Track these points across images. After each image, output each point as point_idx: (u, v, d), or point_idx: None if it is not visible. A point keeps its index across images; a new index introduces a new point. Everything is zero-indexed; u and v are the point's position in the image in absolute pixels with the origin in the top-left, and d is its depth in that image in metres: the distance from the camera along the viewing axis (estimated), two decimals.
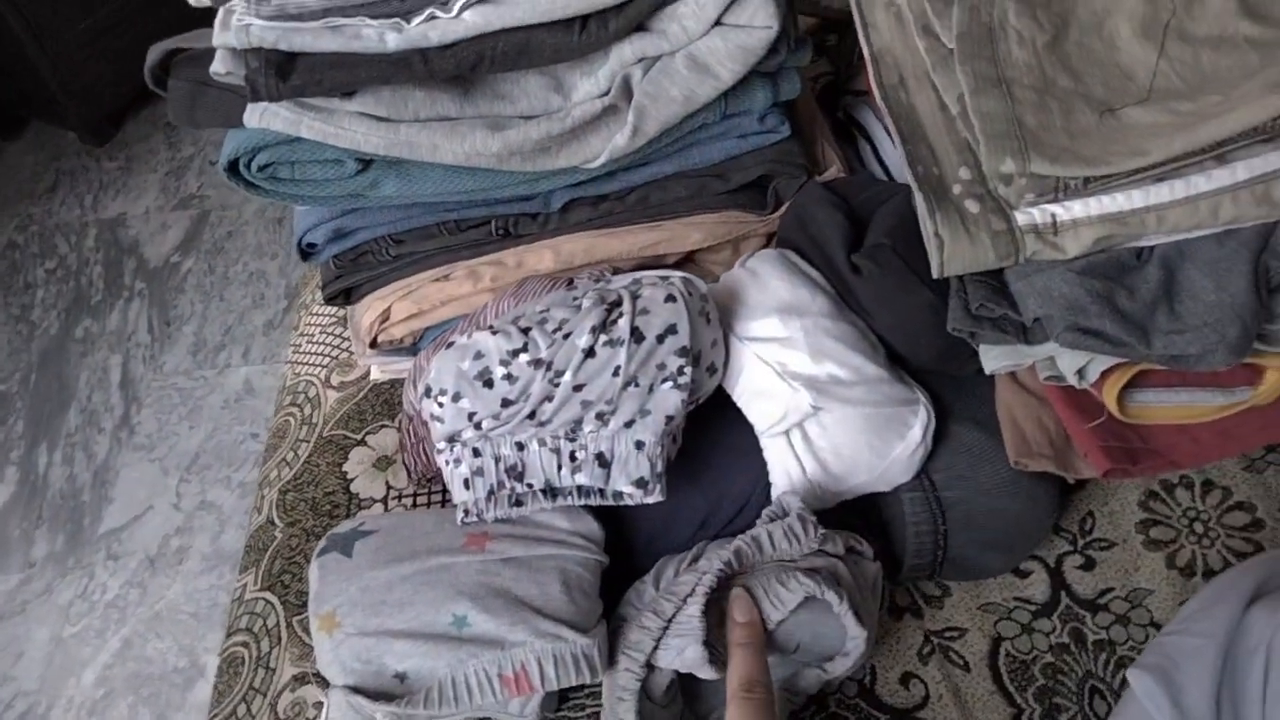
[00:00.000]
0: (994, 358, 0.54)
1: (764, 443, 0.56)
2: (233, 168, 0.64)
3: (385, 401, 0.75)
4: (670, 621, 0.51)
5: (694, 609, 0.50)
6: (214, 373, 1.59)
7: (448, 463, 0.54)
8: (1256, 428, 0.53)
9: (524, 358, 0.53)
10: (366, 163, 0.65)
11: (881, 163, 0.74)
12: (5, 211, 1.91)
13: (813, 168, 0.69)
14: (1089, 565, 0.59)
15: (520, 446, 0.53)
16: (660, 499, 0.53)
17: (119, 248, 1.82)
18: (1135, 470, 0.53)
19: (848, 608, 0.50)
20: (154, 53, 0.65)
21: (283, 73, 0.59)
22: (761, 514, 0.55)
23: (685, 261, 0.71)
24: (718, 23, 0.59)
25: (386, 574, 0.53)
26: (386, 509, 0.69)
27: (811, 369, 0.55)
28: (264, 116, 0.61)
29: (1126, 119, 0.50)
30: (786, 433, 0.55)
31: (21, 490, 1.51)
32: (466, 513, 0.54)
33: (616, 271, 0.67)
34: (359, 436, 0.74)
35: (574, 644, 0.51)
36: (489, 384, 0.53)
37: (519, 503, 0.54)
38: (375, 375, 0.76)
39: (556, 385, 0.53)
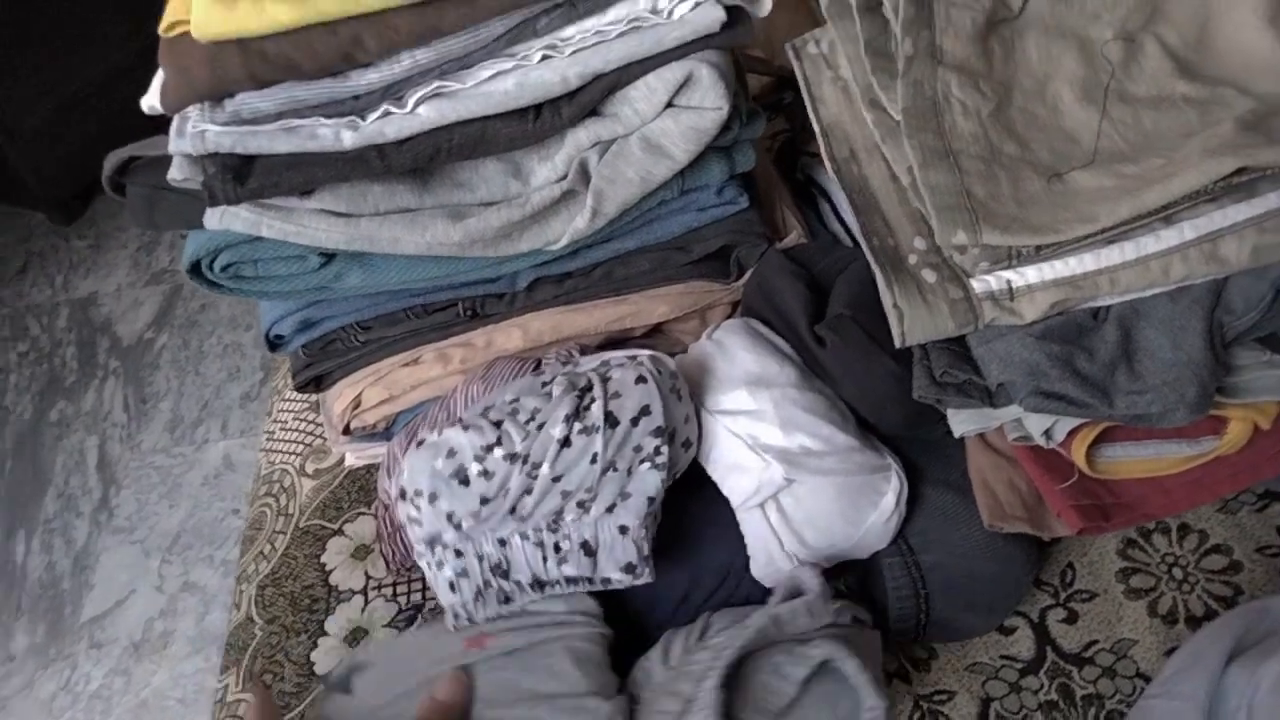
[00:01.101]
0: (961, 421, 0.55)
1: (740, 516, 0.56)
2: (195, 269, 0.65)
3: (361, 488, 0.75)
4: (688, 702, 0.50)
5: (711, 687, 0.49)
6: (192, 449, 1.57)
7: (429, 566, 0.54)
8: (1225, 476, 0.54)
9: (499, 452, 0.53)
10: (329, 256, 0.65)
11: (842, 221, 0.75)
12: None
13: (773, 235, 0.69)
14: (1072, 618, 0.59)
15: (503, 543, 0.53)
16: (649, 580, 0.53)
17: (92, 327, 1.80)
18: (1109, 526, 0.53)
19: (865, 676, 0.49)
20: (110, 161, 0.66)
21: (240, 176, 0.59)
22: (776, 589, 0.55)
23: (653, 333, 0.72)
24: (670, 105, 0.60)
25: (393, 699, 0.52)
26: (367, 601, 0.68)
27: (782, 441, 0.55)
28: (224, 218, 0.62)
29: (1073, 183, 0.51)
30: (761, 506, 0.55)
31: None
32: (456, 616, 0.53)
33: (584, 350, 0.67)
34: (336, 526, 0.74)
35: (597, 712, 0.50)
36: (465, 482, 0.53)
37: (508, 599, 0.54)
38: (350, 462, 0.76)
39: (534, 478, 0.52)
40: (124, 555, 1.47)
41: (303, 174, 0.60)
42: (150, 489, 1.54)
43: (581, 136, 0.61)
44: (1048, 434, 0.52)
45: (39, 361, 1.78)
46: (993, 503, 0.54)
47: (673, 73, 0.59)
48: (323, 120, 0.59)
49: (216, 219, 0.62)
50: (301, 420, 0.81)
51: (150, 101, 0.61)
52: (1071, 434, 0.52)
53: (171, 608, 1.39)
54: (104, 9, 1.72)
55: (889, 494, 0.54)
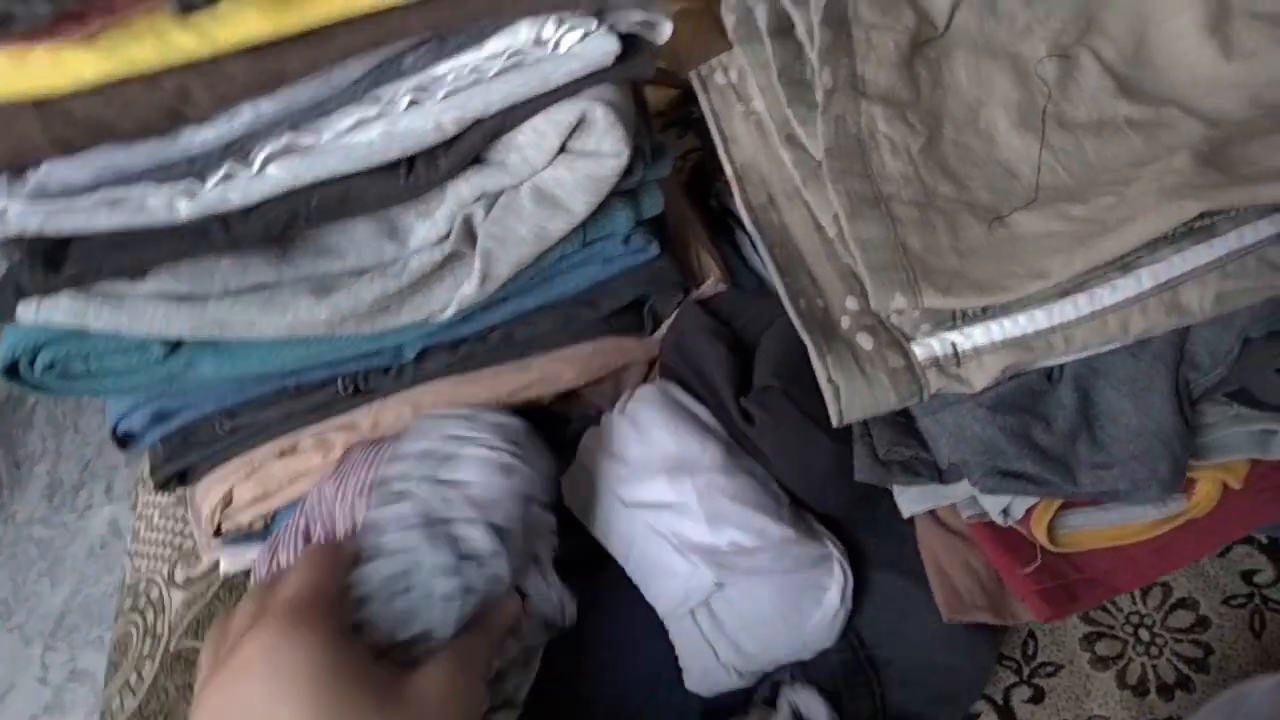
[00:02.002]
0: (910, 500, 0.49)
1: (668, 625, 0.50)
2: (12, 371, 0.54)
3: (239, 599, 0.66)
4: None
5: None
6: (74, 516, 1.43)
7: None
8: (1192, 540, 0.49)
9: None
10: (175, 343, 0.56)
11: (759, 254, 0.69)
12: None
13: (689, 281, 0.63)
14: (1039, 696, 0.54)
15: None
16: None
17: None
18: (1076, 606, 0.49)
19: None
20: None
21: (53, 262, 0.50)
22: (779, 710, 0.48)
23: (564, 399, 0.64)
24: (563, 150, 0.53)
25: None
26: None
27: (709, 538, 0.48)
28: (40, 311, 0.52)
29: (1018, 228, 0.46)
30: (692, 613, 0.49)
31: None
32: None
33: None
34: None
35: None
36: None
37: None
38: (225, 568, 0.66)
39: None
40: (1, 645, 1.32)
41: (131, 254, 0.51)
42: (29, 566, 1.40)
43: (463, 190, 0.54)
44: (1005, 511, 0.47)
45: None
46: (950, 593, 0.49)
47: (563, 114, 0.51)
48: (151, 188, 0.50)
49: (32, 312, 0.52)
50: (168, 518, 0.72)
51: None
52: (1031, 509, 0.47)
53: (58, 701, 1.26)
54: None
55: (832, 589, 0.48)
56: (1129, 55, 0.51)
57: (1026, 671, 0.55)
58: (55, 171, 0.49)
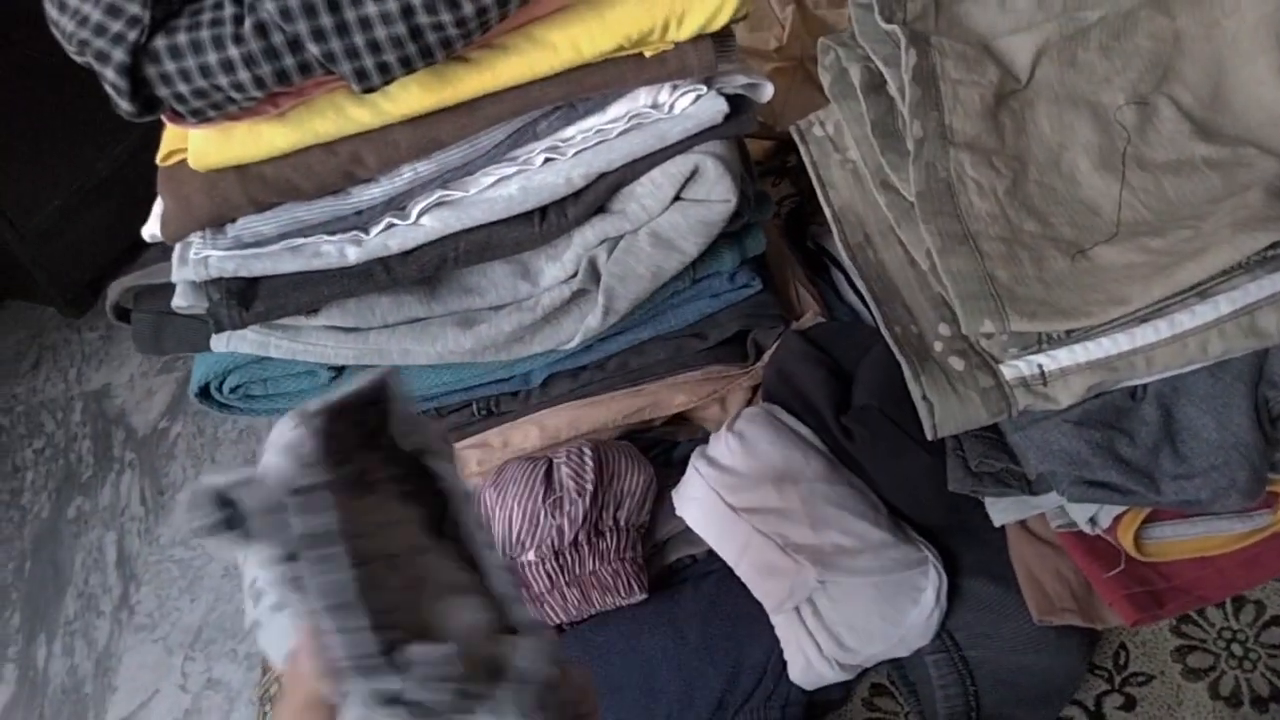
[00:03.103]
0: (1001, 510, 0.53)
1: (774, 620, 0.54)
2: (204, 393, 0.64)
3: None
4: None
5: None
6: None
7: None
8: None
9: None
10: (340, 369, 0.64)
11: (857, 290, 0.74)
12: None
13: (789, 314, 0.68)
14: (1130, 704, 0.56)
15: None
16: None
17: (106, 419, 1.80)
18: (1164, 613, 0.51)
19: None
20: (114, 291, 0.65)
21: (245, 300, 0.59)
22: None
23: (674, 421, 0.70)
24: (677, 198, 0.59)
25: None
26: None
27: (813, 539, 0.53)
28: (230, 341, 0.61)
29: (1099, 259, 0.50)
30: (796, 609, 0.53)
31: (21, 690, 1.47)
32: None
33: (596, 450, 0.64)
34: None
35: None
36: None
37: None
38: None
39: None
40: (146, 654, 1.44)
41: (308, 293, 0.59)
42: (170, 583, 1.52)
43: (589, 235, 0.60)
44: (1093, 520, 0.50)
45: (55, 458, 1.78)
46: (1040, 596, 0.52)
47: (678, 167, 0.58)
48: (325, 237, 0.58)
49: (223, 342, 0.61)
50: None
51: (150, 230, 0.60)
52: (1118, 518, 0.50)
53: (196, 706, 1.36)
54: (102, 106, 1.74)
55: (928, 589, 0.52)
56: (1206, 100, 0.54)
57: (1118, 680, 0.57)
58: (249, 225, 0.58)
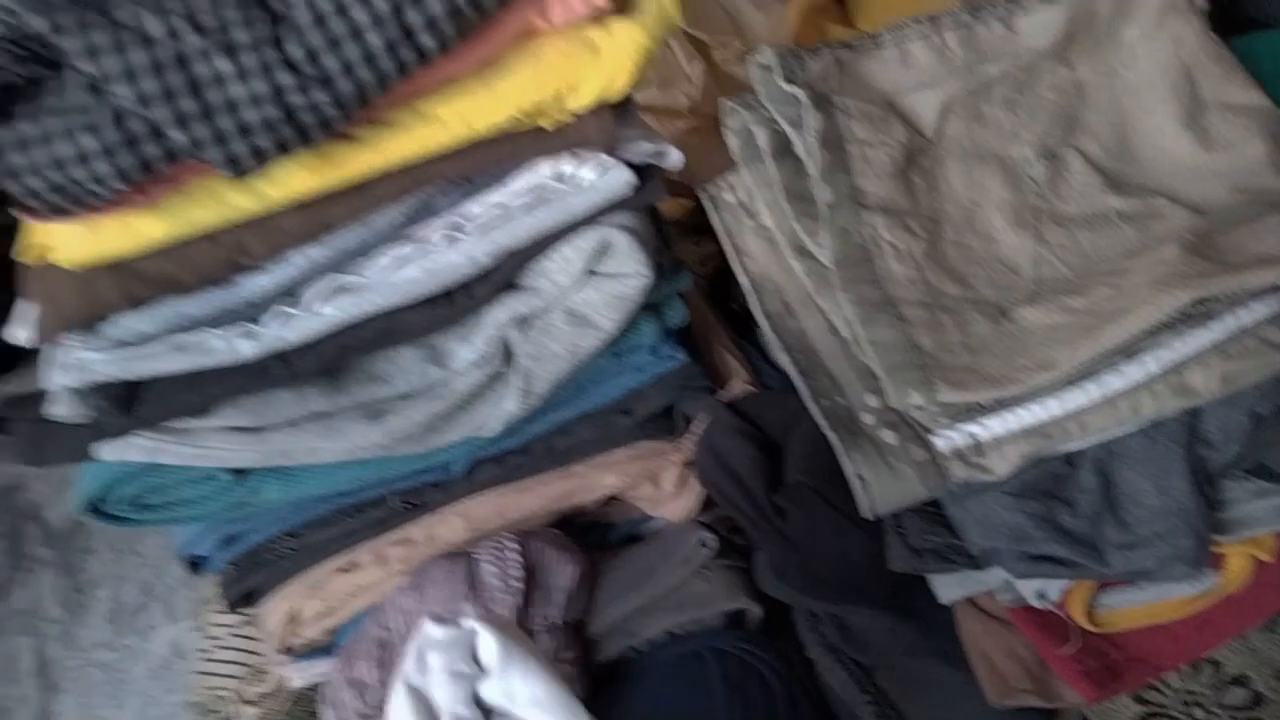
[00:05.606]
0: (947, 587, 0.50)
1: None
2: (94, 507, 0.58)
3: (311, 713, 0.68)
4: None
5: None
6: (137, 639, 1.46)
7: None
8: (1232, 615, 0.50)
9: None
10: (242, 471, 0.60)
11: None
12: None
13: (716, 382, 0.65)
14: None
15: None
16: None
17: (18, 515, 1.70)
18: (1122, 686, 0.49)
19: None
20: None
21: (128, 404, 0.54)
22: None
23: (608, 504, 0.67)
24: (592, 273, 0.56)
25: None
26: None
27: None
28: (118, 449, 0.56)
29: (1023, 321, 0.48)
30: None
31: None
32: None
33: (519, 541, 0.61)
34: None
35: None
36: None
37: None
38: (295, 683, 0.68)
39: None
40: None
41: (199, 393, 0.55)
42: (94, 689, 1.43)
43: (499, 314, 0.57)
44: (1041, 594, 0.48)
45: None
46: (994, 677, 0.49)
47: (587, 241, 0.55)
48: (213, 331, 0.54)
49: (110, 451, 0.56)
50: (238, 636, 0.74)
51: (16, 333, 0.56)
52: (1067, 592, 0.48)
53: None
54: None
55: None
56: (1114, 151, 0.54)
57: None
58: (125, 324, 0.54)
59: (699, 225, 0.86)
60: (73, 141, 0.44)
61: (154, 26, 0.44)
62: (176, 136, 0.44)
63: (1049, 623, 0.49)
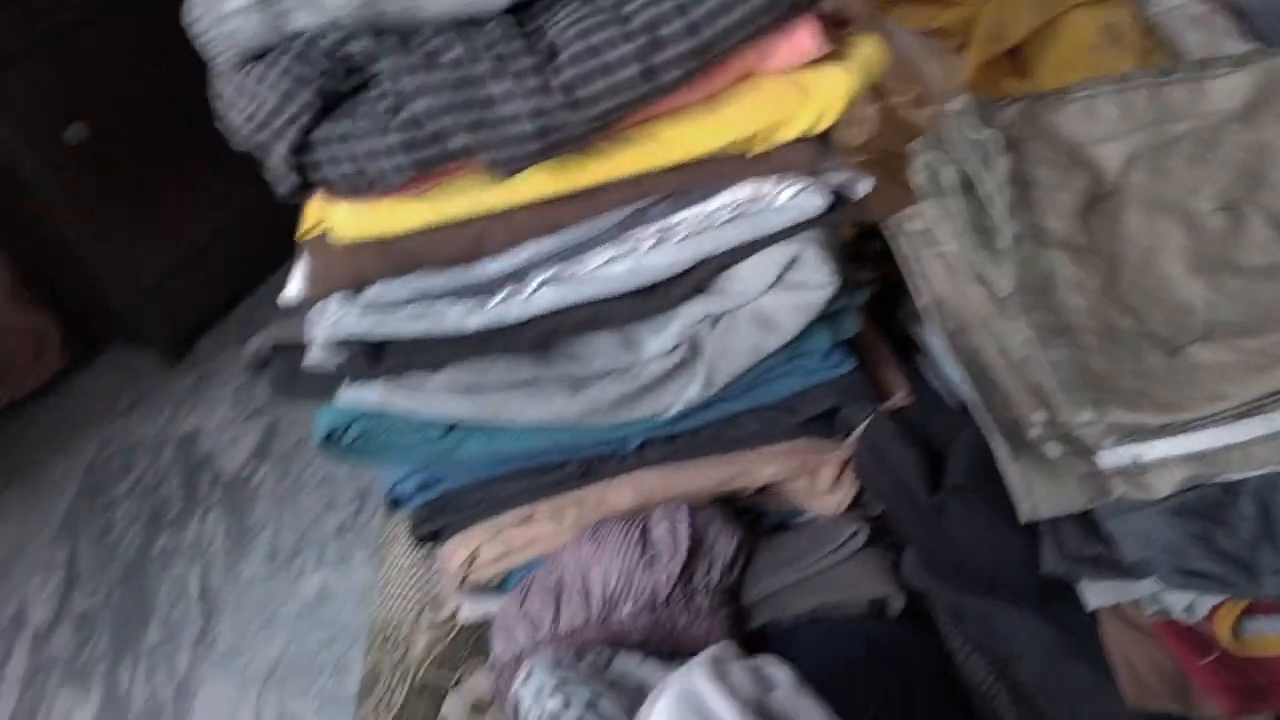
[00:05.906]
0: (1095, 594, 0.54)
1: None
2: (328, 439, 0.68)
3: (476, 640, 0.76)
4: None
5: None
6: (289, 580, 1.61)
7: None
8: None
9: None
10: (452, 426, 0.68)
11: (939, 376, 0.76)
12: (86, 432, 2.01)
13: (880, 394, 0.70)
14: None
15: None
16: None
17: (194, 461, 1.89)
18: (1265, 707, 0.51)
19: None
20: (256, 341, 0.71)
21: (374, 358, 0.63)
22: None
23: (762, 492, 0.73)
24: (779, 280, 0.63)
25: None
26: None
27: None
28: (357, 393, 0.66)
29: (1195, 357, 0.52)
30: None
31: (104, 711, 1.53)
32: None
33: (692, 513, 0.67)
34: (452, 680, 0.75)
35: None
36: None
37: None
38: (465, 615, 0.77)
39: None
40: (223, 686, 1.50)
41: (431, 355, 0.64)
42: (249, 619, 1.58)
43: (693, 311, 0.64)
44: (1189, 609, 0.51)
45: (145, 495, 1.87)
46: (1135, 680, 0.52)
47: (780, 253, 0.62)
48: (449, 305, 0.63)
49: (351, 393, 0.66)
50: (417, 567, 0.84)
51: (291, 294, 0.66)
52: (1215, 608, 0.51)
53: None
54: (210, 173, 1.91)
55: None
56: None
57: None
58: (380, 290, 0.63)
59: (858, 253, 0.91)
60: (380, 138, 0.53)
61: (449, 54, 0.52)
62: (459, 142, 0.53)
63: (1193, 637, 0.52)
